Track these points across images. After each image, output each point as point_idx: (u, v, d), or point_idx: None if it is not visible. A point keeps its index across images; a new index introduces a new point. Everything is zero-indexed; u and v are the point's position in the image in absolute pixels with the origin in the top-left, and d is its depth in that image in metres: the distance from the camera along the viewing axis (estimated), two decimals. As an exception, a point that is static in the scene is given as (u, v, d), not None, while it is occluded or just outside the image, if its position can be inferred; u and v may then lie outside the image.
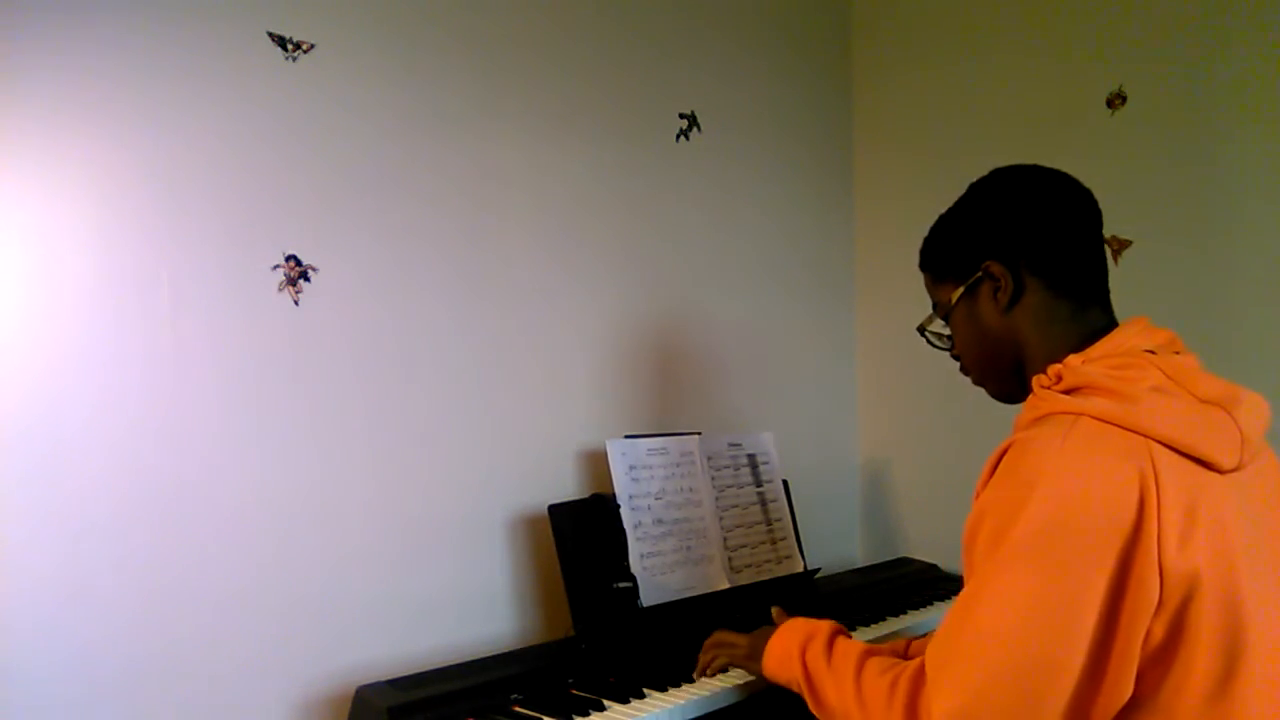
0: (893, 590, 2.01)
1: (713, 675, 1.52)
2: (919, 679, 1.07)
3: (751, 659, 1.42)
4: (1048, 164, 1.21)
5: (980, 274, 1.18)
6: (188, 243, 1.48)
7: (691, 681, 1.52)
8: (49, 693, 1.36)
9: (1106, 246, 1.22)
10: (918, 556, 2.32)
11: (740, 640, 1.48)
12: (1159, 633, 0.96)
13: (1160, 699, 0.97)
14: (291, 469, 1.58)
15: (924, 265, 1.28)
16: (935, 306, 1.26)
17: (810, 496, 2.25)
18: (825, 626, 1.29)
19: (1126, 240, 2.01)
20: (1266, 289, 1.85)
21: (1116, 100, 2.02)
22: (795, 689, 1.29)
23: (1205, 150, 1.91)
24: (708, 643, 1.55)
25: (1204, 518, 0.97)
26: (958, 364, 1.27)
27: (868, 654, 1.19)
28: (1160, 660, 0.97)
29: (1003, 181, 1.21)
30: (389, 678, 1.50)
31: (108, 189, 1.42)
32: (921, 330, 1.29)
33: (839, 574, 2.18)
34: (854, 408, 2.51)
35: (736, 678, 1.51)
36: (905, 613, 1.92)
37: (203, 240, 1.50)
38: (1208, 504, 0.98)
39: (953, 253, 1.22)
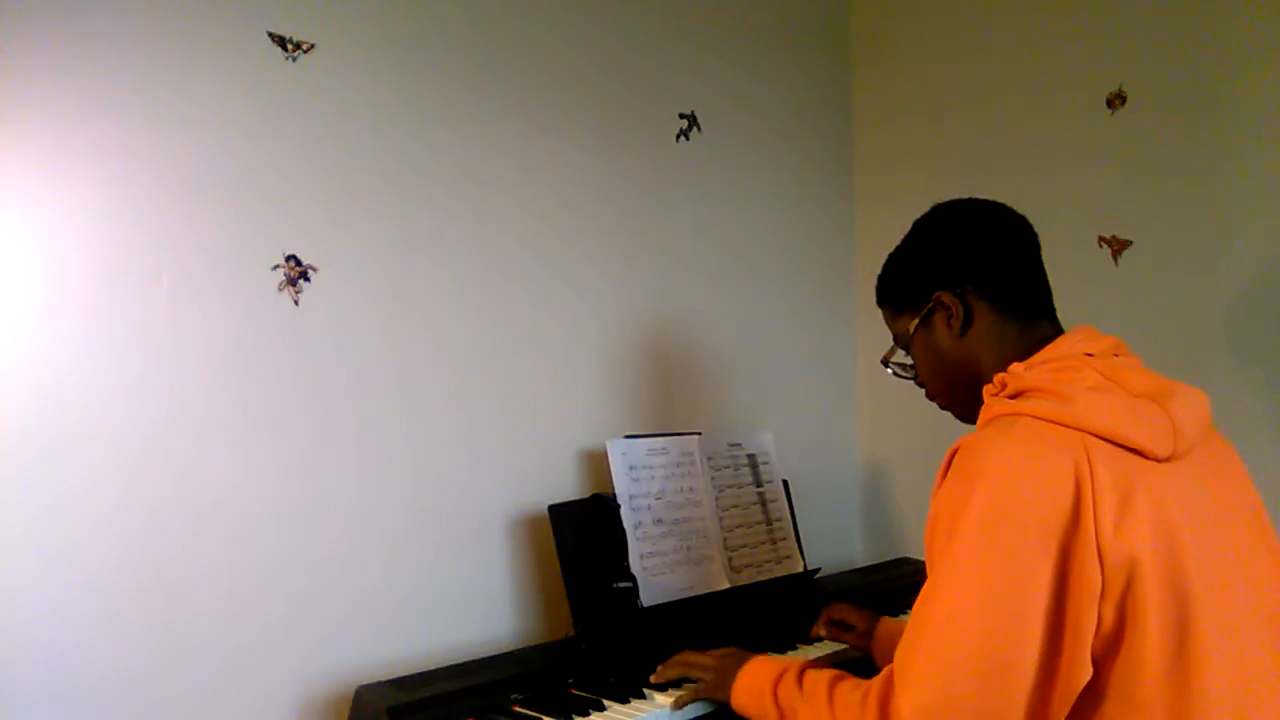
0: (893, 590, 2.01)
1: (665, 686, 1.46)
2: (889, 684, 1.09)
3: (719, 689, 1.38)
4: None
5: (932, 304, 1.25)
6: (188, 242, 1.48)
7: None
8: (47, 691, 1.36)
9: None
10: (918, 556, 2.32)
11: (708, 664, 1.42)
12: (1109, 618, 1.00)
13: (1118, 683, 1.01)
14: (291, 468, 1.58)
15: (880, 301, 1.35)
16: (895, 339, 1.33)
17: (810, 496, 2.25)
18: (796, 662, 1.30)
19: (1126, 240, 2.01)
20: (1266, 289, 1.85)
21: (1116, 100, 2.02)
22: None
23: (1205, 150, 1.91)
24: (674, 659, 1.48)
25: (1141, 503, 1.02)
26: (924, 391, 1.33)
27: (839, 677, 1.22)
28: (1114, 646, 1.01)
29: (944, 215, 1.29)
30: (389, 678, 1.50)
31: (108, 189, 1.42)
32: (885, 362, 1.36)
33: (839, 574, 2.18)
34: (854, 408, 2.51)
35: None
36: (905, 613, 1.92)
37: (202, 240, 1.50)
38: (1146, 490, 1.03)
39: (905, 286, 1.30)
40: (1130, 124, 2.01)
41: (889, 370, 1.36)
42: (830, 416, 2.46)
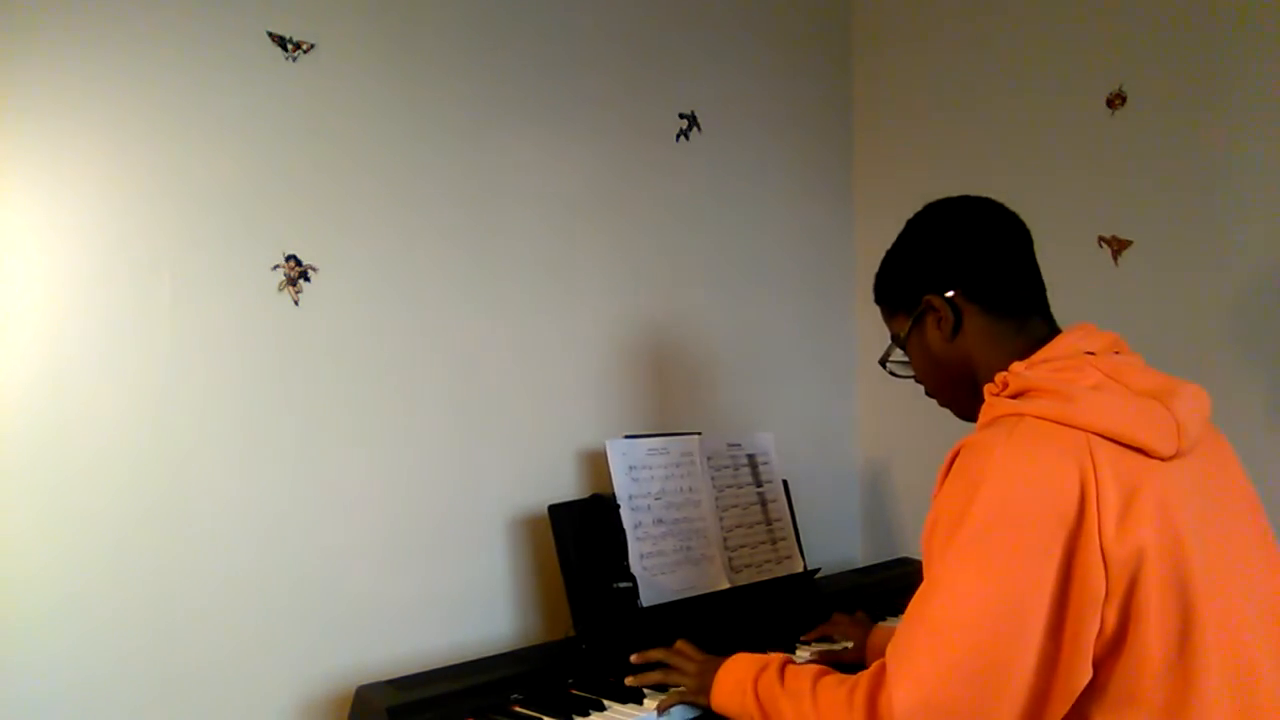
0: (893, 590, 2.01)
1: (642, 687, 1.45)
2: (877, 680, 1.08)
3: (700, 693, 1.36)
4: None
5: (922, 307, 1.25)
6: (188, 242, 1.48)
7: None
8: (46, 692, 1.36)
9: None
10: (918, 556, 2.32)
11: (690, 669, 1.41)
12: (1112, 620, 1.00)
13: (1119, 681, 1.01)
14: (291, 469, 1.58)
15: (877, 300, 1.35)
16: (892, 339, 1.33)
17: (810, 496, 2.25)
18: (777, 657, 1.29)
19: (1126, 240, 2.01)
20: (1266, 289, 1.85)
21: (1116, 100, 2.02)
22: None
23: (1205, 150, 1.91)
24: (656, 655, 1.47)
25: (1145, 502, 1.01)
26: (923, 389, 1.33)
27: (822, 672, 1.20)
28: (1116, 647, 1.01)
29: (934, 216, 1.28)
30: (389, 678, 1.50)
31: (109, 189, 1.42)
32: (883, 363, 1.35)
33: (839, 574, 2.18)
34: (854, 408, 2.51)
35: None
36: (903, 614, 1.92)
37: (203, 240, 1.50)
38: (1150, 489, 1.02)
39: (896, 289, 1.30)
40: (1130, 124, 2.01)
41: (887, 370, 1.36)
42: (830, 416, 2.46)
